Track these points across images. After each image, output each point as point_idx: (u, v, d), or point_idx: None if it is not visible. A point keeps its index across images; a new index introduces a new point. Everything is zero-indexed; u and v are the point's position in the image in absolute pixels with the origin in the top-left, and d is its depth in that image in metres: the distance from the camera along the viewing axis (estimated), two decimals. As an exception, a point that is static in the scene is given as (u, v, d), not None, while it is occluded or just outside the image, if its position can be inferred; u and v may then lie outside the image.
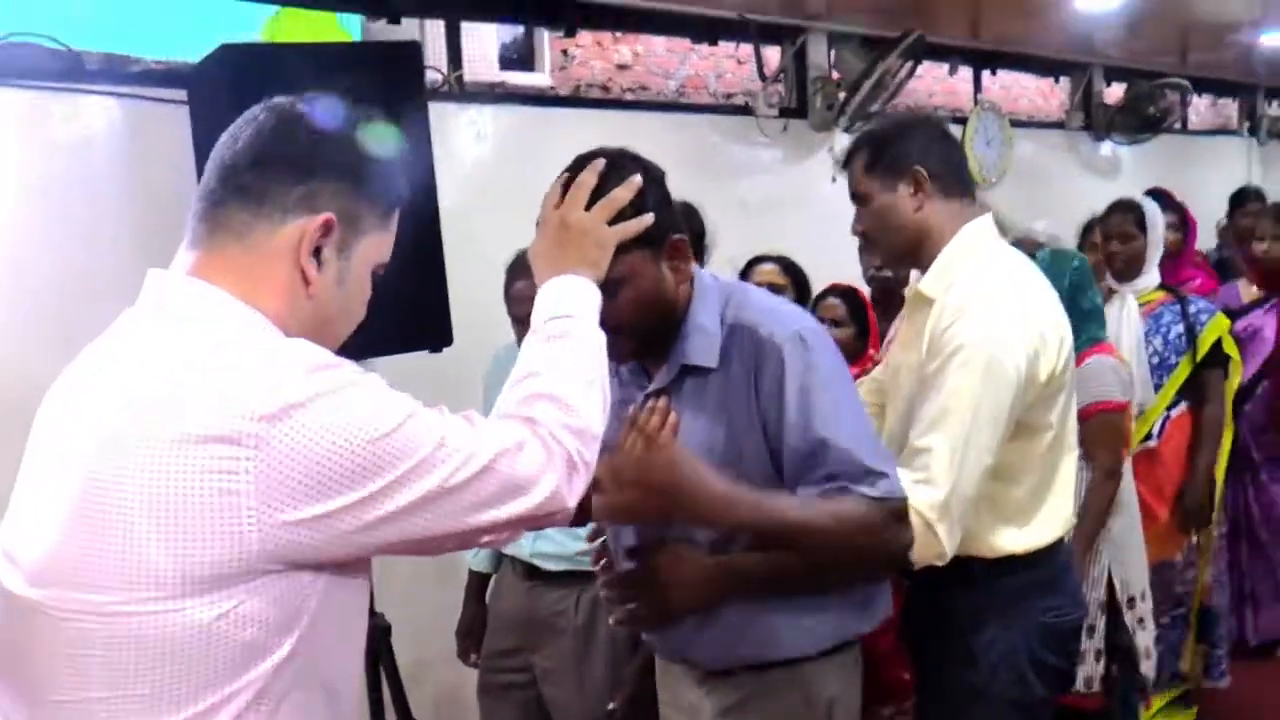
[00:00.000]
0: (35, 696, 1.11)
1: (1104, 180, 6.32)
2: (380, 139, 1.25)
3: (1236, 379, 3.59)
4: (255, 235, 1.17)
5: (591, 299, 1.46)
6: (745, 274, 2.99)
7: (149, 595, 1.05)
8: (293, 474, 1.05)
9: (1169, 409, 3.41)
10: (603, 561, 1.80)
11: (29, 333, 2.66)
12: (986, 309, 1.83)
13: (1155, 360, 3.40)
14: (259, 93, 1.29)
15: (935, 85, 6.02)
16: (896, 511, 1.63)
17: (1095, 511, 2.84)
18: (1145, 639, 2.99)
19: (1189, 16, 5.74)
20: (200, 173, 2.34)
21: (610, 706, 2.41)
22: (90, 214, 2.80)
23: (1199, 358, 3.38)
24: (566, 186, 1.55)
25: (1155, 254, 3.44)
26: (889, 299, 3.08)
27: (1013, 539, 1.91)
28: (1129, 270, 3.47)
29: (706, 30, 4.51)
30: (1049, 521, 1.95)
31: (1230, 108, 8.79)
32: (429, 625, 3.01)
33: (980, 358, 1.78)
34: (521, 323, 2.44)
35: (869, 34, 4.59)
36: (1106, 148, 6.49)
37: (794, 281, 2.95)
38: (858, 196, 2.01)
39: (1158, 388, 3.39)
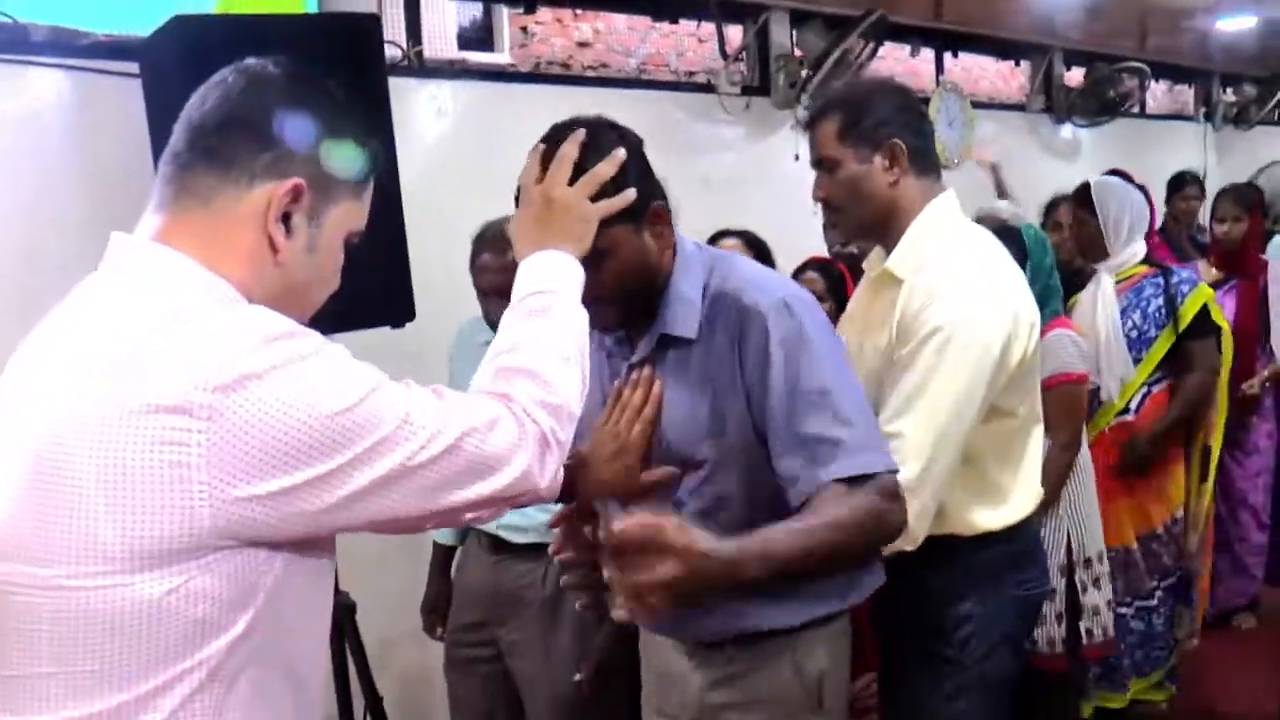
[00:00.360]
0: None
1: (1064, 162, 6.37)
2: (352, 105, 1.22)
3: (1229, 349, 3.52)
4: (221, 200, 1.13)
5: (574, 275, 1.42)
6: None
7: (97, 570, 1.01)
8: (246, 448, 1.01)
9: (1149, 383, 3.39)
10: (564, 553, 1.73)
11: (-23, 309, 2.59)
12: (960, 291, 1.79)
13: (1134, 334, 3.36)
14: (213, 66, 1.24)
15: (897, 66, 6.01)
16: (887, 490, 1.54)
17: (1054, 481, 2.89)
18: (1097, 598, 3.04)
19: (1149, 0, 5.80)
20: (155, 148, 2.33)
21: (576, 677, 2.39)
22: (38, 188, 2.73)
23: (1181, 329, 3.35)
24: (546, 159, 1.51)
25: (1117, 230, 3.38)
26: (855, 275, 3.08)
27: (990, 517, 1.89)
28: (1091, 252, 3.46)
29: (667, 7, 4.48)
30: (1022, 498, 1.94)
31: (1186, 94, 8.88)
32: (395, 603, 2.98)
33: (956, 341, 1.74)
34: (487, 295, 2.42)
35: (831, 13, 4.58)
36: (1066, 130, 6.53)
37: (757, 255, 2.93)
38: (824, 162, 1.92)
39: (1138, 361, 3.36)
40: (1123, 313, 3.37)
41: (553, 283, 1.40)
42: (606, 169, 1.50)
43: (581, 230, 1.47)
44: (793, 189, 4.74)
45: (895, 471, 1.57)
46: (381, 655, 3.00)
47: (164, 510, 1.00)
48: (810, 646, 1.70)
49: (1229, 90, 8.30)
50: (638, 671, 2.26)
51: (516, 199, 1.56)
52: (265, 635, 1.09)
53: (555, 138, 1.54)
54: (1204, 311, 3.39)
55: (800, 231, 4.17)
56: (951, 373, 1.74)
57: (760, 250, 2.90)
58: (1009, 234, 3.00)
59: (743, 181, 4.33)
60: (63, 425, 1.03)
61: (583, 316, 1.39)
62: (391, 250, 2.38)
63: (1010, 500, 1.92)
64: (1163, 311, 3.35)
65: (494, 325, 2.41)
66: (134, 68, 2.45)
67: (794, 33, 4.64)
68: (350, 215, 1.23)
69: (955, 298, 1.77)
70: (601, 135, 1.54)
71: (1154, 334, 3.36)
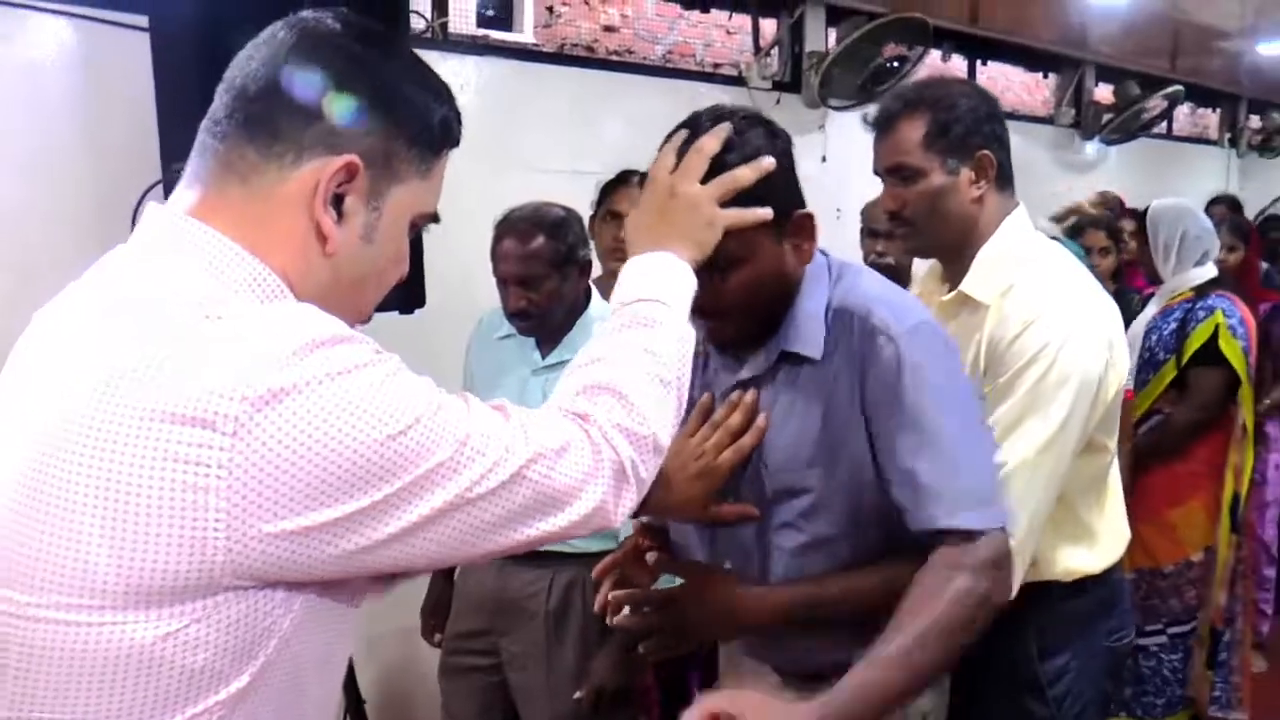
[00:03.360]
0: None
1: (1087, 179, 6.24)
2: (422, 68, 1.05)
3: (1245, 386, 3.27)
4: (264, 179, 0.96)
5: (687, 286, 1.25)
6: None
7: (83, 603, 0.84)
8: (278, 474, 0.85)
9: (1164, 411, 3.24)
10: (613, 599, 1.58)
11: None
12: (1057, 315, 1.63)
13: (1146, 356, 3.26)
14: (228, 24, 1.13)
15: (923, 71, 5.87)
16: (995, 557, 1.37)
17: None
18: None
19: (1183, 18, 5.67)
20: (160, 107, 2.19)
21: (577, 695, 2.27)
22: (34, 144, 2.59)
23: (1185, 358, 3.18)
24: (682, 149, 1.35)
25: (1166, 255, 3.30)
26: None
27: (1085, 559, 1.77)
28: (1149, 274, 3.40)
29: (701, -4, 4.34)
30: (1113, 538, 1.82)
31: (1207, 118, 8.79)
32: (380, 601, 2.84)
33: (1057, 368, 1.60)
34: (507, 284, 2.27)
35: (868, 10, 4.44)
36: (1091, 147, 6.41)
37: None
38: (902, 170, 1.73)
39: (1144, 384, 3.24)
40: (1146, 335, 3.28)
41: (662, 291, 1.22)
42: (747, 174, 1.33)
43: (704, 236, 1.30)
44: (818, 190, 4.59)
45: (1004, 529, 1.40)
46: (366, 653, 2.87)
47: (171, 541, 0.84)
48: None
49: (1254, 118, 8.20)
50: (637, 698, 2.13)
51: (641, 185, 1.40)
52: (274, 688, 0.92)
53: (697, 126, 1.38)
54: (1210, 340, 3.20)
55: (823, 235, 4.03)
56: (1054, 401, 1.59)
57: None
58: None
59: (767, 179, 4.19)
60: (62, 427, 0.86)
61: (690, 336, 1.21)
62: (405, 231, 2.25)
63: (1101, 541, 1.79)
64: (1174, 337, 3.22)
65: (513, 316, 2.31)
66: (143, 20, 2.31)
67: (828, 30, 4.51)
68: (417, 197, 1.03)
69: (1053, 322, 1.62)
70: (749, 133, 1.38)
71: (1162, 358, 3.23)
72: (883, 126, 1.77)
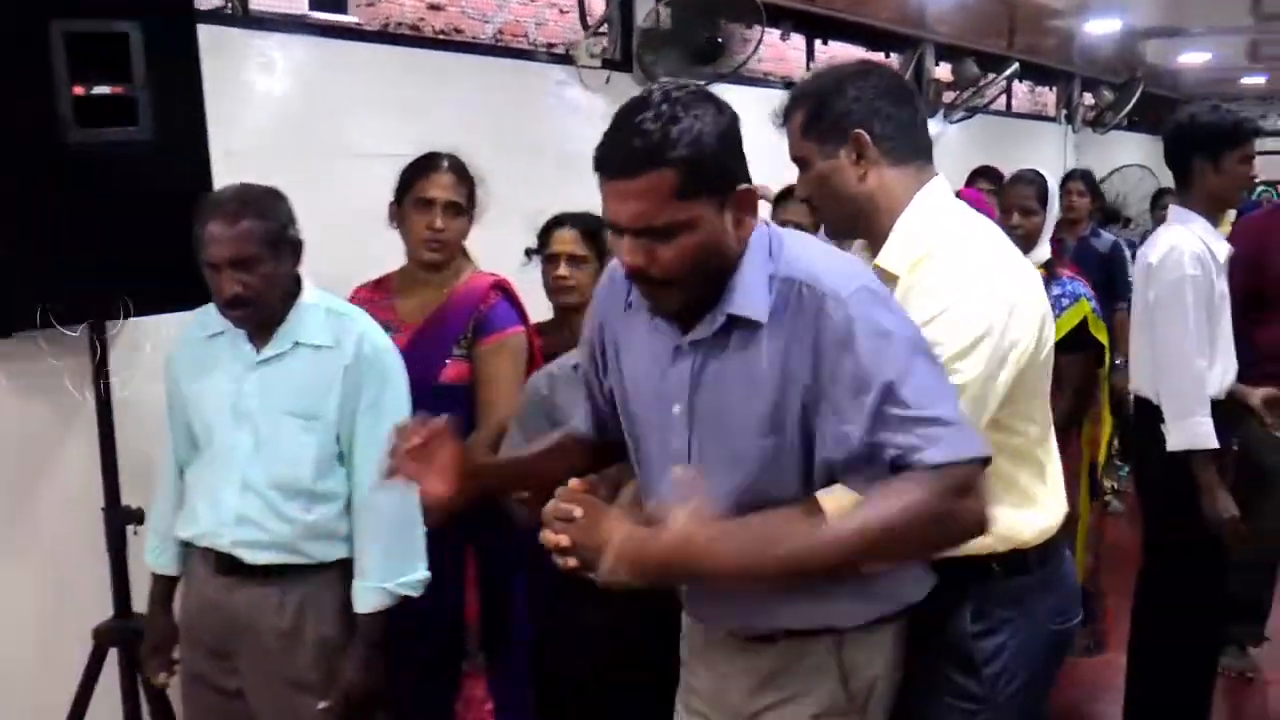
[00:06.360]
0: None
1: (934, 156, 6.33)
2: None
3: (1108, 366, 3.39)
4: None
5: None
6: (544, 239, 2.72)
7: None
8: None
9: None
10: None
11: None
12: (974, 281, 1.64)
13: None
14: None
15: (764, 50, 5.84)
16: (960, 483, 1.40)
17: None
18: None
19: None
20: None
21: (321, 705, 2.15)
22: None
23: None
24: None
25: (1050, 227, 3.39)
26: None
27: (1021, 522, 1.74)
28: (1025, 245, 3.32)
29: (531, -28, 4.21)
30: (1052, 504, 1.81)
31: (1044, 95, 9.06)
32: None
33: (969, 328, 1.60)
34: (218, 269, 2.06)
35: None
36: (934, 124, 6.49)
37: (597, 252, 2.65)
38: (797, 161, 1.80)
39: None
40: None
41: None
42: None
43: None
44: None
45: (979, 460, 1.43)
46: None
47: None
48: (864, 649, 1.62)
49: (1087, 94, 8.48)
50: (393, 697, 2.20)
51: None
52: None
53: None
54: (1080, 327, 3.25)
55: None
56: (970, 356, 1.59)
57: (600, 246, 2.64)
58: None
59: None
60: None
61: None
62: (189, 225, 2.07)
63: (1039, 504, 1.78)
64: None
65: (228, 306, 2.05)
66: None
67: (659, 9, 4.42)
68: None
69: (968, 287, 1.63)
70: (698, 108, 1.43)
71: None
72: (782, 123, 1.82)
